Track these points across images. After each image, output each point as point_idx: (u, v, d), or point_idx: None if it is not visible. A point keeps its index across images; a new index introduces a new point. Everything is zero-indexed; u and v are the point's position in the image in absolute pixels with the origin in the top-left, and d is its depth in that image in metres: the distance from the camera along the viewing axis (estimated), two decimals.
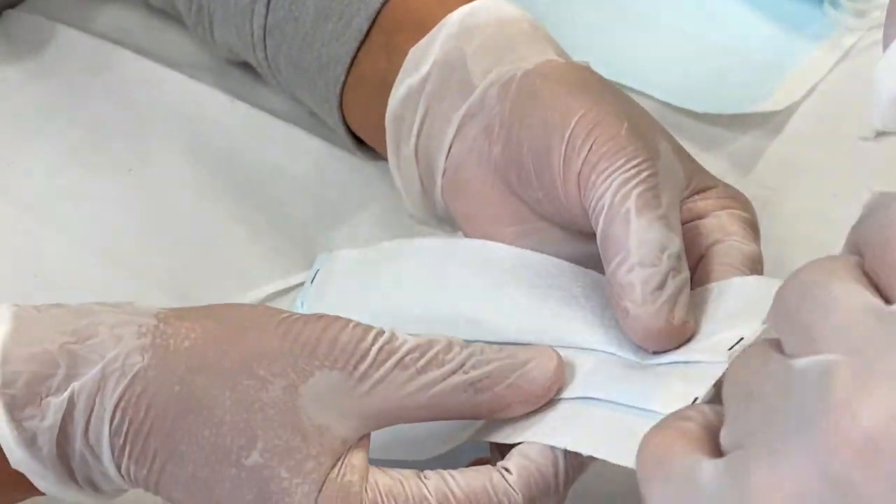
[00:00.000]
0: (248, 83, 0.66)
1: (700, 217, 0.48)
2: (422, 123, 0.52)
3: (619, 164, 0.44)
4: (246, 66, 0.66)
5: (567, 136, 0.46)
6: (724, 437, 0.34)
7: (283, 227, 0.61)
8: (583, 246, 0.48)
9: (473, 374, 0.43)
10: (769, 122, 0.65)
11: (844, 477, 0.30)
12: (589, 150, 0.45)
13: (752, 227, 0.48)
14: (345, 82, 0.56)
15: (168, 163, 0.64)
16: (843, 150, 0.64)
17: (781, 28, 0.68)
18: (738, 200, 0.49)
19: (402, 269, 0.50)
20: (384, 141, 0.54)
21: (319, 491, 0.42)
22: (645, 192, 0.44)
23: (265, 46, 0.60)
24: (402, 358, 0.43)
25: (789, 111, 0.65)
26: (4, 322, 0.44)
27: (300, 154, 0.64)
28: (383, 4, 0.55)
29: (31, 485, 0.45)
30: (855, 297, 0.32)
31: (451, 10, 0.52)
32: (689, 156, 0.49)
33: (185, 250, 0.61)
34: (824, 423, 0.30)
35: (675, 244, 0.45)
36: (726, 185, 0.49)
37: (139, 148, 0.64)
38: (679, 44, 0.67)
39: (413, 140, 0.52)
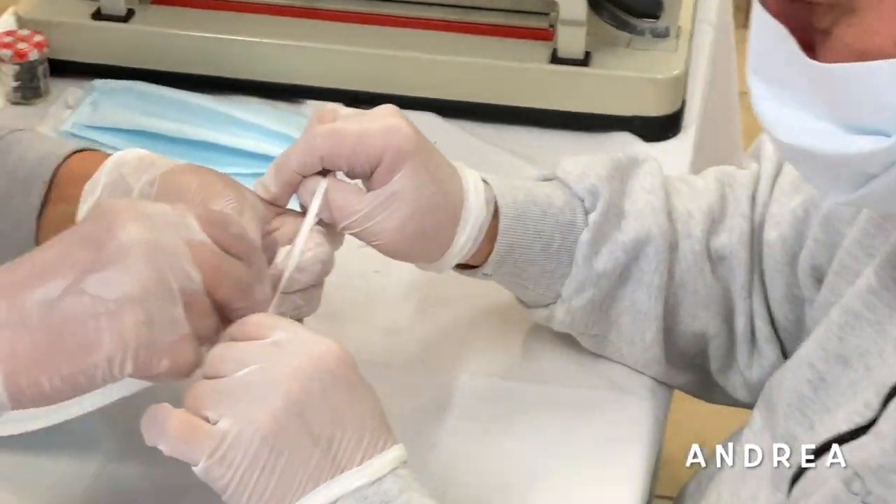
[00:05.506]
0: None
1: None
2: None
3: (223, 196, 0.77)
4: None
5: (191, 193, 0.77)
6: None
7: None
8: None
9: None
10: None
11: None
12: (202, 196, 0.77)
13: None
14: (38, 229, 0.83)
15: None
16: None
17: None
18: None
19: None
20: None
21: None
22: (234, 208, 0.76)
23: None
24: None
25: None
26: None
27: None
28: (53, 176, 0.82)
29: None
30: None
31: (100, 165, 0.81)
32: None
33: None
34: None
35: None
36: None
37: None
38: None
39: None
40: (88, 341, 0.65)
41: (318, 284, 0.76)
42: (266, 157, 1.05)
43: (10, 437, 0.77)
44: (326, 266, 0.76)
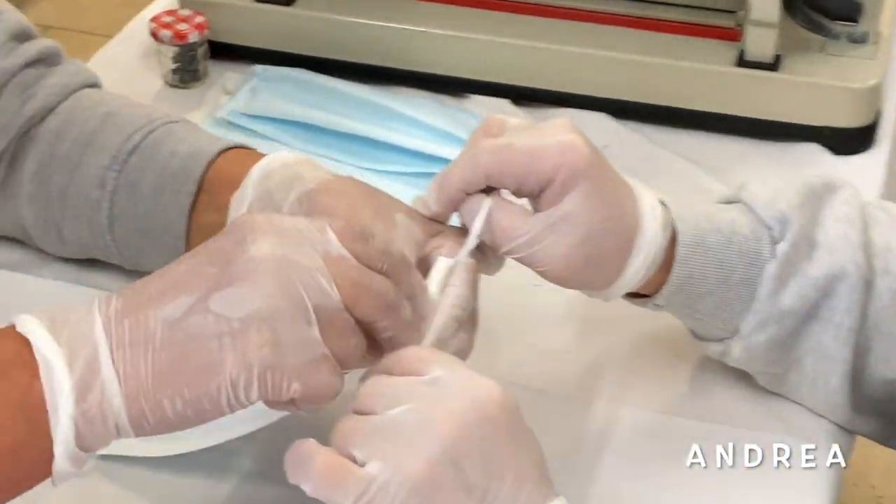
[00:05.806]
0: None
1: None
2: None
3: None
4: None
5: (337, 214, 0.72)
6: None
7: None
8: None
9: None
10: None
11: None
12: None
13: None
14: (188, 231, 0.81)
15: None
16: None
17: None
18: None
19: None
20: None
21: None
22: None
23: (112, 229, 0.83)
24: None
25: None
26: None
27: None
28: (203, 175, 0.80)
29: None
30: None
31: (249, 168, 0.77)
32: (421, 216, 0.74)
33: None
34: None
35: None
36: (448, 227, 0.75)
37: None
38: None
39: None
40: (211, 362, 0.60)
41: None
42: (427, 156, 0.99)
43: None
44: (466, 311, 0.70)
